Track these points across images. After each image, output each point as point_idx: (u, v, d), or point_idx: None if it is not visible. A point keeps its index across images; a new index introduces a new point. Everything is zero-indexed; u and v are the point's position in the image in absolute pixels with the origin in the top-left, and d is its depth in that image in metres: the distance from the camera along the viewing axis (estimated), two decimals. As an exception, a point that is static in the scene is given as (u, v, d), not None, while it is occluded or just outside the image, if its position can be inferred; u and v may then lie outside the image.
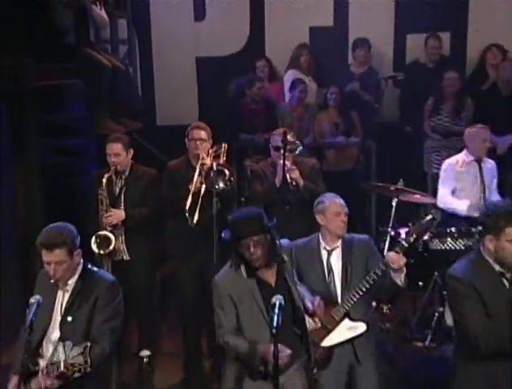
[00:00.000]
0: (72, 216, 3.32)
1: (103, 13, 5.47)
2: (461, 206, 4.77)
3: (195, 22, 6.80)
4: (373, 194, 5.87)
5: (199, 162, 4.17)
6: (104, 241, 4.19)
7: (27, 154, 5.28)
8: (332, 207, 3.54)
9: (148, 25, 6.84)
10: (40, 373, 2.96)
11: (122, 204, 4.31)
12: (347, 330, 3.47)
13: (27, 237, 5.12)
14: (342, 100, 6.00)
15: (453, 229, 4.58)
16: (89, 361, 2.84)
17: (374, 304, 4.05)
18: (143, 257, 4.37)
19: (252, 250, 2.91)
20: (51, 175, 5.33)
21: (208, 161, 4.14)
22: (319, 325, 3.40)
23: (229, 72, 6.55)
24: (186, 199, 4.08)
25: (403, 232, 4.74)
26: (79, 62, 5.33)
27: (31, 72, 5.02)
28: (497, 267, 2.82)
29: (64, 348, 2.97)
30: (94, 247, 4.18)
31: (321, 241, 3.58)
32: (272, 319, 2.62)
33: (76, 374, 2.86)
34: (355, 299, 3.45)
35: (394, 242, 4.47)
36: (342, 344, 3.47)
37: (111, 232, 4.21)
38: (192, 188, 4.11)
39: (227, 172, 4.07)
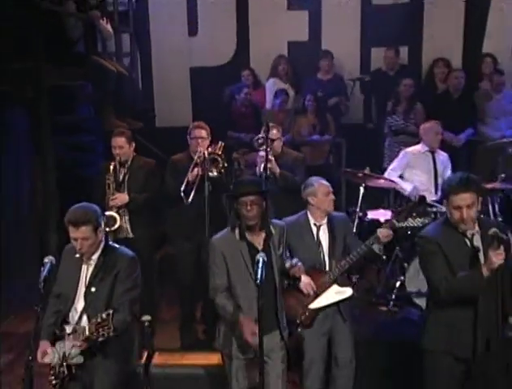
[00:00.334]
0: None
1: (108, 27, 5.47)
2: (405, 186, 4.79)
3: (189, 37, 6.80)
4: (344, 181, 5.87)
5: (197, 155, 4.18)
6: (110, 221, 4.17)
7: (44, 150, 5.27)
8: (322, 188, 3.58)
9: (148, 39, 6.83)
10: (67, 336, 2.92)
11: (126, 189, 4.30)
12: (335, 294, 3.50)
13: (44, 225, 5.10)
14: (317, 104, 6.02)
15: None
16: (112, 326, 2.78)
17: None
18: (145, 235, 4.35)
19: (249, 207, 2.95)
20: (64, 168, 5.38)
21: (206, 153, 4.14)
22: (311, 293, 3.44)
23: (219, 80, 6.56)
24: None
25: (369, 213, 4.82)
26: (88, 68, 5.33)
27: (46, 77, 5.00)
28: (459, 228, 2.84)
29: (88, 318, 2.95)
30: None
31: (310, 218, 3.59)
32: (256, 273, 2.66)
33: (100, 338, 2.81)
34: (346, 267, 3.52)
35: (366, 221, 4.64)
36: (329, 306, 3.51)
37: (116, 212, 4.22)
38: (189, 174, 4.12)
39: (220, 160, 4.08)
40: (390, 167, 5.03)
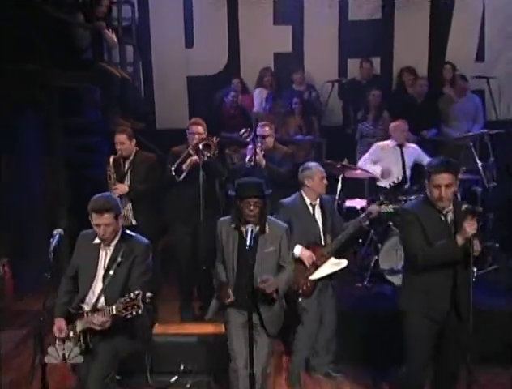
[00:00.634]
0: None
1: (113, 36, 5.43)
2: (375, 170, 4.83)
3: (186, 49, 6.78)
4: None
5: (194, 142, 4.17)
6: None
7: (54, 151, 5.24)
8: (318, 173, 3.65)
9: (150, 51, 6.79)
10: (88, 314, 2.88)
11: (129, 181, 4.28)
12: (332, 265, 3.56)
13: (54, 220, 5.04)
14: (303, 106, 6.06)
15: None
16: (142, 306, 2.72)
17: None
18: (147, 222, 4.30)
19: (252, 207, 2.97)
20: (73, 168, 5.32)
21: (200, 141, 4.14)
22: (312, 269, 3.50)
23: (212, 87, 6.54)
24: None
25: (347, 201, 4.84)
26: (95, 73, 5.29)
27: (55, 79, 4.95)
28: (437, 205, 2.87)
29: (106, 299, 2.92)
30: None
31: (305, 198, 3.65)
32: (245, 240, 2.66)
33: (129, 316, 2.74)
34: (343, 240, 3.60)
35: (344, 208, 4.69)
36: (328, 276, 3.57)
37: None
38: (181, 157, 4.14)
39: (212, 145, 4.08)
40: (363, 158, 5.07)
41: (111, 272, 2.96)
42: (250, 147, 4.33)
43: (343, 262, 3.58)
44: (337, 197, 4.58)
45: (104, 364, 2.94)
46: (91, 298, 3.00)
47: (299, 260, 3.48)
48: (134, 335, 3.05)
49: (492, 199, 4.68)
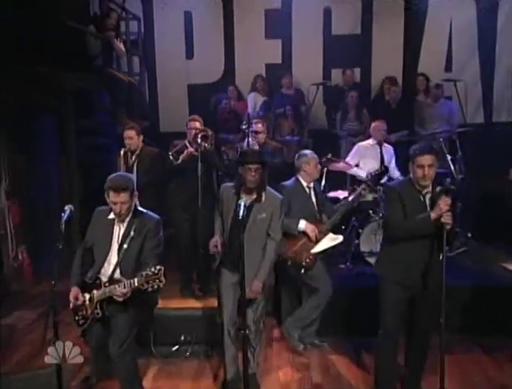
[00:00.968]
0: (101, 194, 3.12)
1: (122, 46, 5.44)
2: (360, 173, 4.87)
3: (187, 60, 6.78)
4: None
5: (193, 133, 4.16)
6: None
7: (69, 150, 5.24)
8: (313, 159, 3.74)
9: (154, 62, 6.79)
10: (117, 284, 2.79)
11: (135, 172, 4.27)
12: (330, 240, 3.61)
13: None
14: (294, 112, 6.08)
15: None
16: (163, 280, 2.63)
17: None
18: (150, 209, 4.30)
19: (253, 173, 2.98)
20: (85, 165, 5.31)
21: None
22: (315, 240, 3.57)
23: (210, 94, 6.53)
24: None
25: (331, 193, 4.82)
26: (104, 77, 5.30)
27: (68, 81, 4.96)
28: (417, 187, 2.89)
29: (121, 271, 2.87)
30: None
31: (302, 181, 3.71)
32: (238, 212, 2.67)
33: (150, 289, 2.66)
34: (339, 217, 3.69)
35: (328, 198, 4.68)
36: (326, 250, 3.63)
37: None
38: (179, 145, 4.15)
39: (209, 137, 4.07)
40: (347, 158, 5.07)
41: (125, 246, 2.91)
42: (244, 142, 4.34)
43: (340, 237, 3.66)
44: (322, 188, 4.56)
45: (123, 329, 2.90)
46: (107, 270, 2.96)
47: (303, 233, 3.56)
48: (144, 307, 3.03)
49: (460, 190, 4.70)
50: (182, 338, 3.68)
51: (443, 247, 2.69)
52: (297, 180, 3.70)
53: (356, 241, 4.56)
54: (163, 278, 2.64)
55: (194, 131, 4.18)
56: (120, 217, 2.94)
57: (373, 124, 5.09)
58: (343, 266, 4.56)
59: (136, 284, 2.70)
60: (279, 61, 6.69)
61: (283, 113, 6.11)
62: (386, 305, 2.93)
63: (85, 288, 2.96)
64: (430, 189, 2.88)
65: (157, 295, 3.24)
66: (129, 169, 4.25)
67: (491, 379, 3.34)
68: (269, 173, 4.01)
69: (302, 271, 3.53)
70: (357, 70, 6.63)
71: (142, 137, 4.39)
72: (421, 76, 6.23)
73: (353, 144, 5.44)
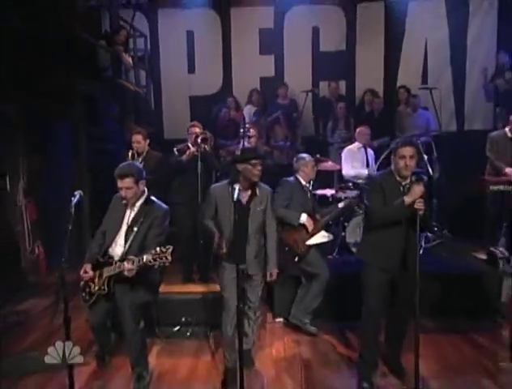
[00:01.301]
0: (109, 195, 3.15)
1: (129, 59, 5.48)
2: (350, 173, 4.94)
3: (188, 74, 6.82)
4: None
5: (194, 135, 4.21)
6: None
7: (81, 155, 5.22)
8: (310, 162, 3.83)
9: (159, 75, 6.82)
10: (126, 261, 2.74)
11: None
12: (322, 236, 3.68)
13: (81, 212, 5.03)
14: (288, 121, 6.11)
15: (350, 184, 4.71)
16: (170, 258, 2.60)
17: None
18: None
19: (258, 167, 2.97)
20: (96, 169, 5.30)
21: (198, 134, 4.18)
22: (311, 233, 3.62)
23: (210, 105, 6.52)
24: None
25: (319, 191, 4.81)
26: (113, 86, 5.32)
27: (79, 89, 4.97)
28: (397, 178, 2.89)
29: (128, 251, 2.83)
30: None
31: (301, 180, 3.77)
32: (233, 195, 2.64)
33: (156, 266, 2.63)
34: (333, 215, 3.78)
35: (317, 196, 4.66)
36: (318, 244, 3.69)
37: None
38: (182, 145, 4.20)
39: (208, 139, 4.11)
40: (345, 166, 5.08)
41: (135, 229, 2.90)
42: (240, 145, 4.39)
43: (330, 236, 3.75)
44: (310, 187, 4.58)
45: (132, 307, 2.88)
46: (115, 249, 2.95)
47: (303, 225, 3.61)
48: (149, 287, 3.01)
49: (436, 187, 4.74)
50: (183, 320, 3.65)
51: (417, 232, 2.69)
52: (297, 178, 3.77)
53: (343, 234, 4.58)
54: (170, 257, 2.61)
55: (194, 135, 4.22)
56: (127, 202, 2.94)
57: (357, 129, 5.15)
58: (330, 256, 4.56)
59: (144, 260, 2.66)
60: (272, 75, 6.74)
61: (276, 119, 6.13)
62: (369, 287, 2.92)
63: (97, 265, 2.95)
64: (409, 181, 2.87)
65: (161, 276, 3.24)
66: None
67: (466, 357, 3.33)
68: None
69: (296, 258, 3.56)
70: (343, 83, 6.70)
71: (148, 141, 4.41)
72: (402, 88, 6.28)
73: (341, 149, 5.48)
